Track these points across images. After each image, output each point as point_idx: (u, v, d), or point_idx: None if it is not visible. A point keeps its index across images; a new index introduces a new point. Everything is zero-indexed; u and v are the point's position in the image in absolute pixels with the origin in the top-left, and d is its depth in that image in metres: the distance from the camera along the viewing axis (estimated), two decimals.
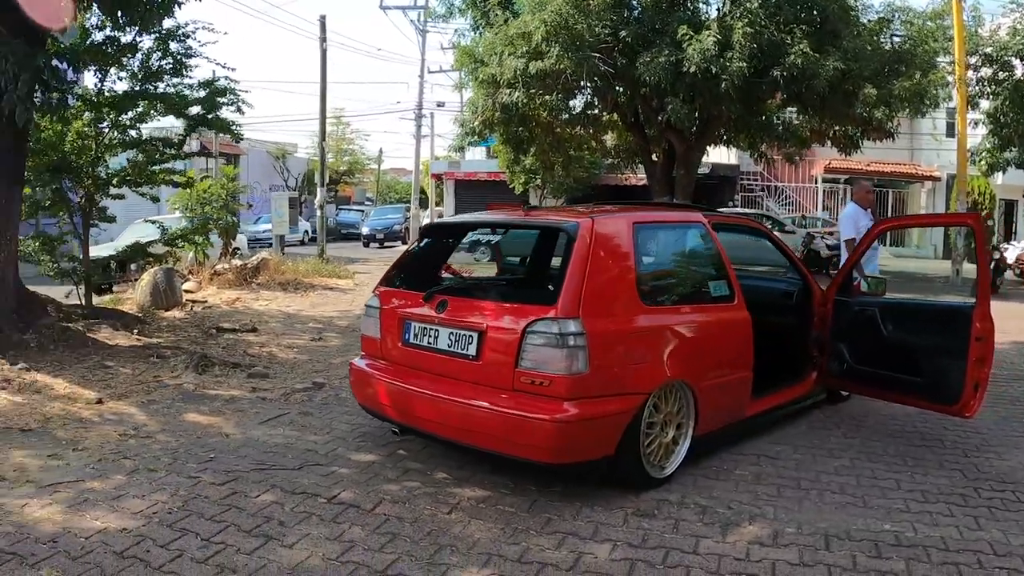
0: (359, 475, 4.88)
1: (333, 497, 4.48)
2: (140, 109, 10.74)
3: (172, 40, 10.59)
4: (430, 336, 4.85)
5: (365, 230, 36.06)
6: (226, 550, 3.77)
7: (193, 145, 29.06)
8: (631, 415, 4.45)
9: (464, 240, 6.13)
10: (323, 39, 23.73)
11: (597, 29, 16.27)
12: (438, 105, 46.13)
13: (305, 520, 4.16)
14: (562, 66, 16.19)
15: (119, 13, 8.90)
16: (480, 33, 19.86)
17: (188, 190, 15.34)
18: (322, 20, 23.91)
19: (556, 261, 5.07)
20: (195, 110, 10.97)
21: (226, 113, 11.47)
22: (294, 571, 3.58)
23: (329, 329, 10.93)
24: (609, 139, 23.49)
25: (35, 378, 6.83)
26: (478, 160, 37.02)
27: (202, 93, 11.00)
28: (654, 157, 20.77)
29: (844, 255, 8.26)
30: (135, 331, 9.28)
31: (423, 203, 43.32)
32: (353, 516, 4.22)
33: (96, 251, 14.53)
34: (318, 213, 25.05)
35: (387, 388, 5.04)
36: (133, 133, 10.87)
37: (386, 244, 34.54)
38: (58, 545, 3.77)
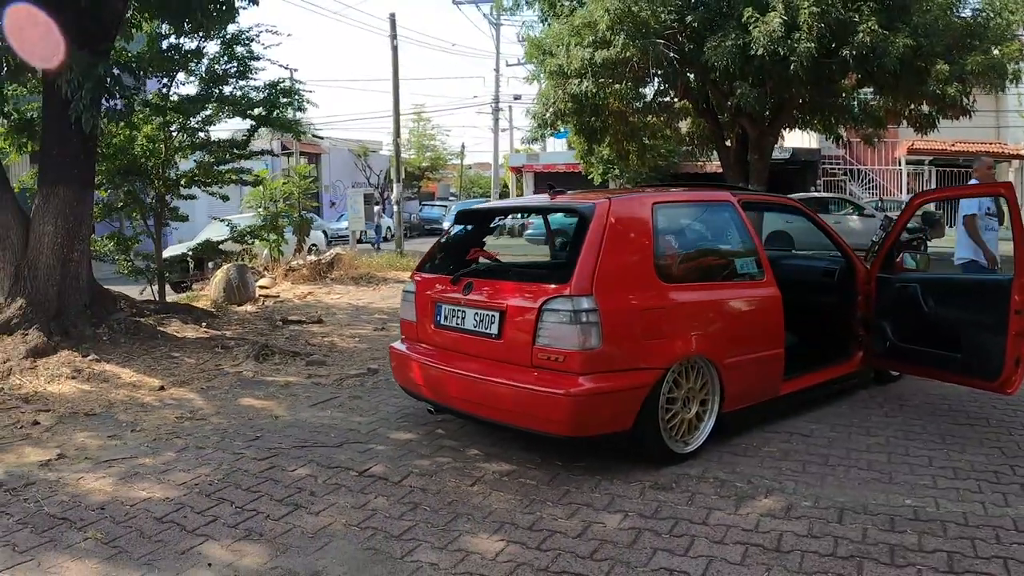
0: (394, 451, 5.13)
1: (364, 471, 4.75)
2: (208, 112, 11.31)
3: (237, 44, 11.13)
4: (458, 317, 5.07)
5: (446, 225, 36.53)
6: (256, 516, 4.07)
7: (274, 145, 30.05)
8: (648, 390, 4.59)
9: (493, 224, 6.29)
10: (393, 36, 24.30)
11: (663, 15, 16.23)
12: (515, 98, 46.43)
13: (334, 491, 4.43)
14: (628, 54, 16.22)
15: (184, 21, 9.41)
16: (548, 24, 20.07)
17: (261, 188, 15.98)
18: (392, 18, 24.49)
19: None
20: (258, 111, 11.47)
21: (290, 112, 12.00)
22: (316, 535, 3.85)
23: (394, 320, 11.22)
24: (684, 126, 23.38)
25: (104, 368, 7.31)
26: (557, 152, 37.25)
27: (265, 94, 11.53)
28: (728, 143, 20.65)
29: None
30: (203, 324, 9.76)
31: (504, 197, 43.72)
32: (380, 488, 4.48)
33: (174, 249, 15.28)
34: (395, 208, 25.66)
35: (422, 369, 5.29)
36: (202, 135, 11.42)
37: None
38: (105, 512, 4.13)
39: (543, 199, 5.81)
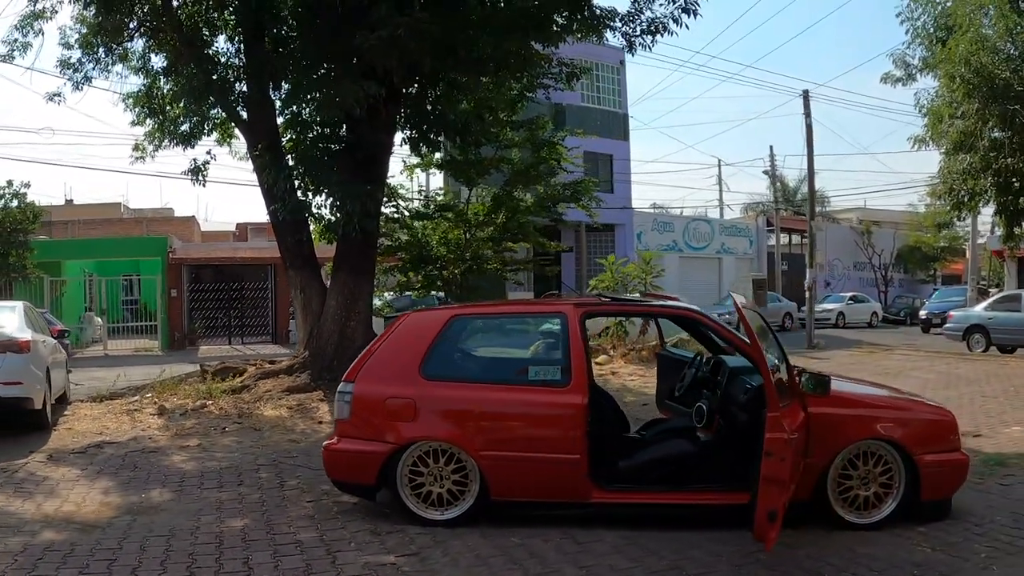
0: None
1: (285, 483, 8.73)
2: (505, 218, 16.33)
3: (544, 148, 15.95)
4: None
5: (923, 314, 35.82)
6: (202, 486, 8.50)
7: (759, 222, 33.76)
8: (383, 457, 6.76)
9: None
10: (807, 114, 26.29)
11: None
12: None
13: (253, 485, 8.55)
14: (991, 123, 16.52)
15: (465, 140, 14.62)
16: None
17: (608, 272, 20.26)
18: (805, 94, 26.52)
19: None
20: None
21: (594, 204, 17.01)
22: (201, 497, 8.14)
23: (635, 399, 13.20)
24: None
25: (318, 406, 12.32)
26: None
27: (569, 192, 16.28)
28: None
29: None
30: None
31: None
32: (272, 491, 8.36)
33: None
34: (807, 295, 27.30)
35: None
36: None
37: (933, 329, 32.61)
38: (155, 467, 9.21)
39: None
